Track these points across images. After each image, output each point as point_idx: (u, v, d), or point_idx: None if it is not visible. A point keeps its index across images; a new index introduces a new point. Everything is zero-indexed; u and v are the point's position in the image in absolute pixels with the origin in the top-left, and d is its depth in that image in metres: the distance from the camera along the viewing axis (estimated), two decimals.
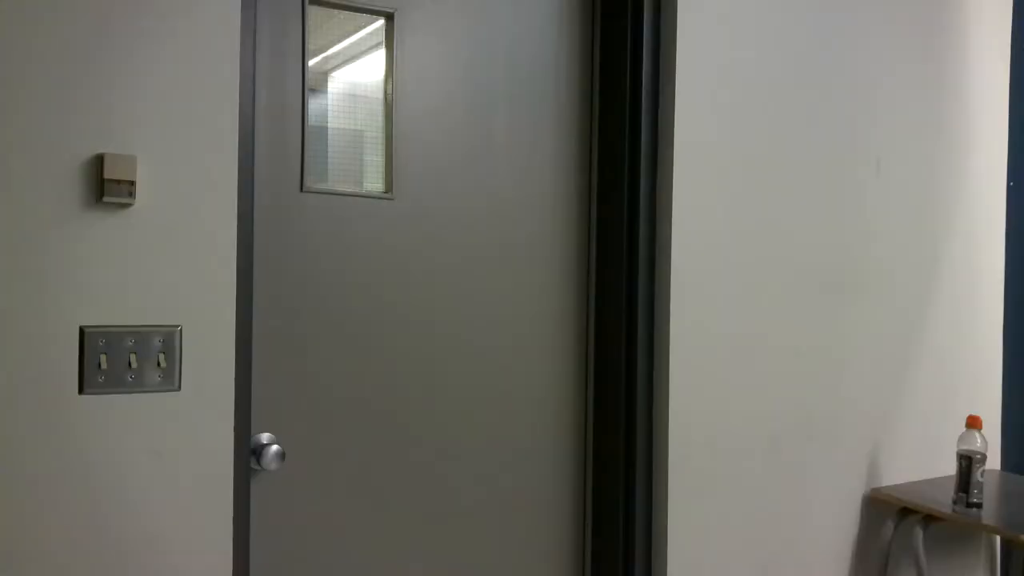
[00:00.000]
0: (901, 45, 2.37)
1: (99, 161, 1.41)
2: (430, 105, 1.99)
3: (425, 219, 1.98)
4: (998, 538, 2.60)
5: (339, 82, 1.94)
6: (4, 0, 1.36)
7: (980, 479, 2.13)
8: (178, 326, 1.49)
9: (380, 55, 1.96)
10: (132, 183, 1.43)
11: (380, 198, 1.92)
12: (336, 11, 1.93)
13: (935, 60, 2.45)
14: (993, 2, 2.60)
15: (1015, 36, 2.65)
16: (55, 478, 1.41)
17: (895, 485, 2.35)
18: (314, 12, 1.88)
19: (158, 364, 1.47)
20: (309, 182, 1.86)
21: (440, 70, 2.01)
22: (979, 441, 2.14)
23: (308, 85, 1.85)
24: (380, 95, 1.96)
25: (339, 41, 1.98)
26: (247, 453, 1.59)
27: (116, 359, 1.44)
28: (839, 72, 2.24)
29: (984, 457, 2.14)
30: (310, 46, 1.87)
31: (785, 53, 2.15)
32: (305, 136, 1.84)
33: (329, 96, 1.93)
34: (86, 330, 1.42)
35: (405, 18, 1.96)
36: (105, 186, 1.41)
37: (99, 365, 1.43)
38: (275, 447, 1.75)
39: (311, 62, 1.88)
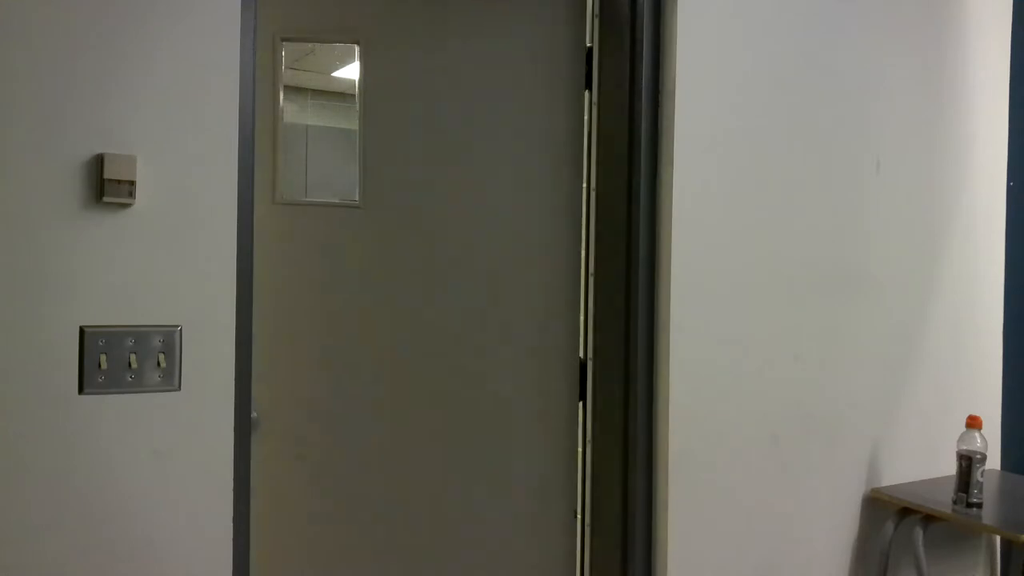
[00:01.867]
0: (901, 45, 2.37)
1: (99, 161, 1.41)
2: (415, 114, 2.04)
3: (401, 224, 2.09)
4: (998, 538, 2.60)
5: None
6: (4, 0, 1.35)
7: (980, 479, 2.13)
8: (178, 326, 1.49)
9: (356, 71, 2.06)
10: (132, 183, 1.43)
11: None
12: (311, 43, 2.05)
13: (935, 60, 2.45)
14: (993, 2, 2.60)
15: (1015, 36, 2.65)
16: (55, 478, 1.41)
17: (895, 485, 2.35)
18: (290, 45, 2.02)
19: (158, 364, 1.47)
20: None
21: (435, 79, 2.03)
22: (979, 441, 2.14)
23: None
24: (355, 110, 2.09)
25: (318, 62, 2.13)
26: (247, 453, 1.59)
27: (116, 359, 1.44)
28: (839, 72, 2.24)
29: (984, 457, 2.14)
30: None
31: (785, 53, 2.14)
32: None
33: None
34: (86, 330, 1.42)
35: (371, 44, 2.05)
36: (105, 186, 1.41)
37: (99, 365, 1.43)
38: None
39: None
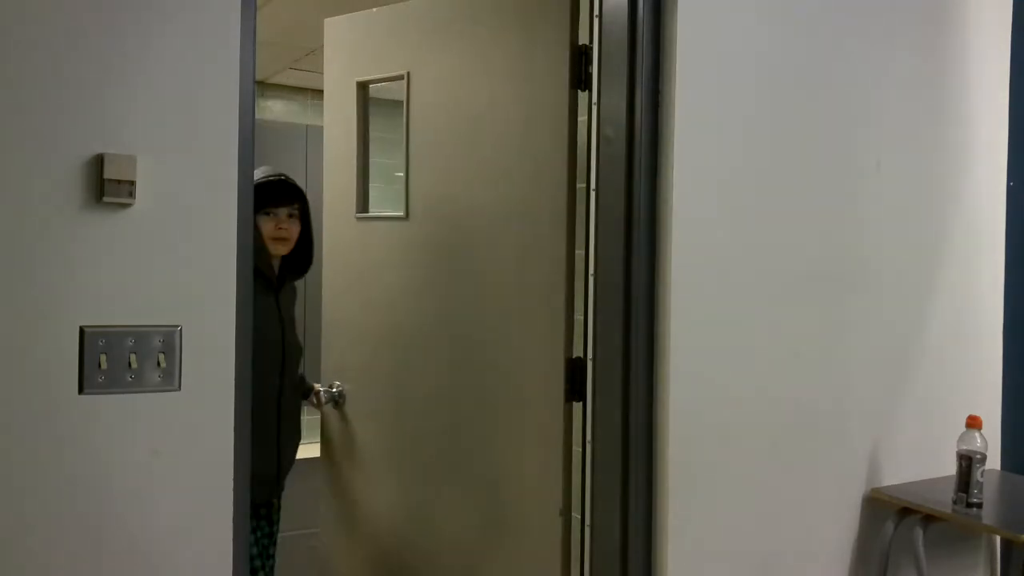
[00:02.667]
0: (901, 45, 2.37)
1: (99, 161, 1.41)
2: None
3: (435, 234, 2.37)
4: (998, 538, 2.60)
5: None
6: (4, 0, 1.36)
7: (980, 479, 2.12)
8: (178, 326, 1.49)
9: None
10: (132, 183, 1.43)
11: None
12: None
13: (935, 60, 2.45)
14: (993, 2, 2.60)
15: (1015, 36, 2.65)
16: (55, 478, 1.41)
17: (895, 485, 2.35)
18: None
19: (158, 364, 1.47)
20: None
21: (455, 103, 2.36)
22: (979, 441, 2.14)
23: None
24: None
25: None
26: (247, 453, 1.59)
27: (116, 359, 1.44)
28: (839, 72, 2.24)
29: (984, 457, 2.14)
30: None
31: (785, 53, 2.14)
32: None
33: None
34: (86, 330, 1.42)
35: (415, 75, 2.44)
36: (105, 186, 1.41)
37: (99, 365, 1.43)
38: None
39: None
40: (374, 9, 2.58)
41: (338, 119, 2.62)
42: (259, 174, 2.17)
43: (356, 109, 2.58)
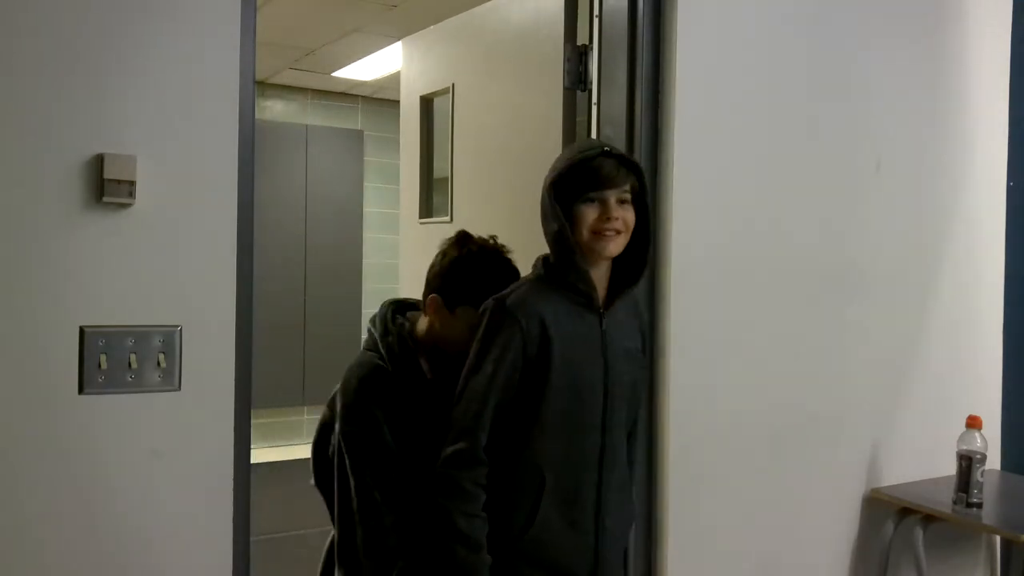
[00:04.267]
0: (901, 45, 2.37)
1: (99, 161, 1.41)
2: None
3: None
4: (998, 538, 2.60)
5: None
6: (5, 0, 1.36)
7: (980, 479, 2.13)
8: (178, 326, 1.49)
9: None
10: (132, 183, 1.43)
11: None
12: None
13: (935, 60, 2.45)
14: (993, 1, 2.60)
15: (1015, 36, 2.65)
16: (55, 478, 1.41)
17: (895, 485, 2.35)
18: None
19: (158, 364, 1.47)
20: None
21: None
22: (979, 441, 2.14)
23: None
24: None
25: None
26: (247, 453, 1.59)
27: (116, 359, 1.44)
28: (839, 72, 2.24)
29: (984, 457, 2.14)
30: None
31: (785, 53, 2.15)
32: None
33: None
34: (86, 330, 1.42)
35: (459, 85, 2.67)
36: (105, 186, 1.41)
37: (99, 365, 1.43)
38: None
39: None
40: (431, 27, 2.83)
41: (410, 134, 2.91)
42: (570, 152, 1.65)
43: (419, 122, 2.83)
